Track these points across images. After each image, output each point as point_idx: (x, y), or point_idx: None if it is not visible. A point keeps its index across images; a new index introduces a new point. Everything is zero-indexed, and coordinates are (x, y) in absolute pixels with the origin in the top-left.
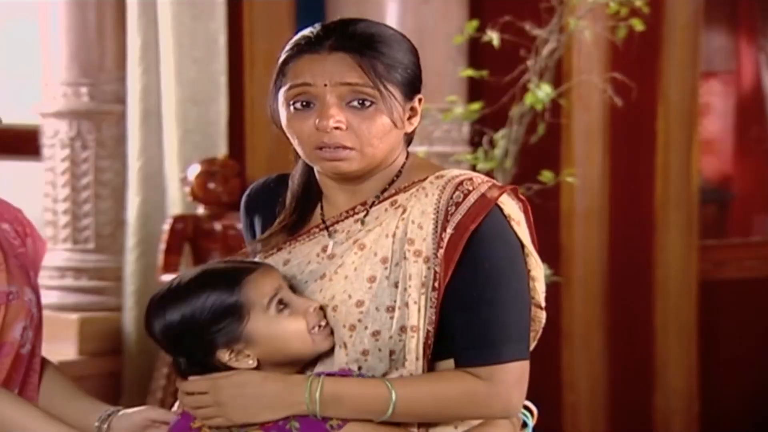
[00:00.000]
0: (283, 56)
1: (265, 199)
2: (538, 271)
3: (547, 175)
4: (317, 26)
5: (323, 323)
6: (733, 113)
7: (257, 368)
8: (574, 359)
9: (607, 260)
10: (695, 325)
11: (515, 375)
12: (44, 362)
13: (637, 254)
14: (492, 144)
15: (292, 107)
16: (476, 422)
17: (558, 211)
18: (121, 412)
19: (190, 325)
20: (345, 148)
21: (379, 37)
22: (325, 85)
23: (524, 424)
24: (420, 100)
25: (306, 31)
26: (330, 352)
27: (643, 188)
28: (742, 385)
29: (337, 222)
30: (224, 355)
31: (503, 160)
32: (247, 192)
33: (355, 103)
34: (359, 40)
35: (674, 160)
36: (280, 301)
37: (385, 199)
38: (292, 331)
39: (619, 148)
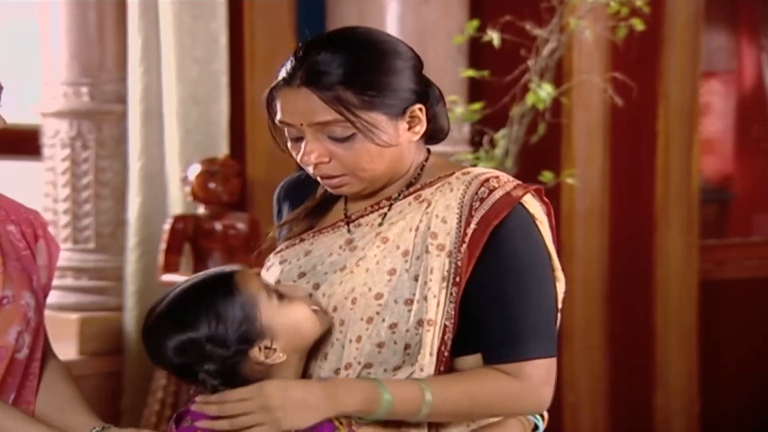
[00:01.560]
0: (271, 86)
1: (298, 189)
2: (558, 273)
3: (547, 176)
4: (294, 54)
5: (315, 306)
6: (733, 113)
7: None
8: (574, 359)
9: (607, 260)
10: (696, 324)
11: (544, 371)
12: (51, 368)
13: (637, 254)
14: (492, 144)
15: (287, 137)
16: (486, 421)
17: (558, 211)
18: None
19: (212, 336)
20: (335, 177)
21: (343, 64)
22: (301, 124)
23: (535, 427)
24: (421, 109)
25: (287, 61)
26: (339, 347)
27: (644, 188)
28: (742, 385)
29: (362, 216)
30: (259, 355)
31: (504, 159)
32: (281, 183)
33: (334, 136)
34: (322, 73)
35: (675, 160)
36: (276, 291)
37: (410, 194)
38: (302, 314)
39: (619, 148)
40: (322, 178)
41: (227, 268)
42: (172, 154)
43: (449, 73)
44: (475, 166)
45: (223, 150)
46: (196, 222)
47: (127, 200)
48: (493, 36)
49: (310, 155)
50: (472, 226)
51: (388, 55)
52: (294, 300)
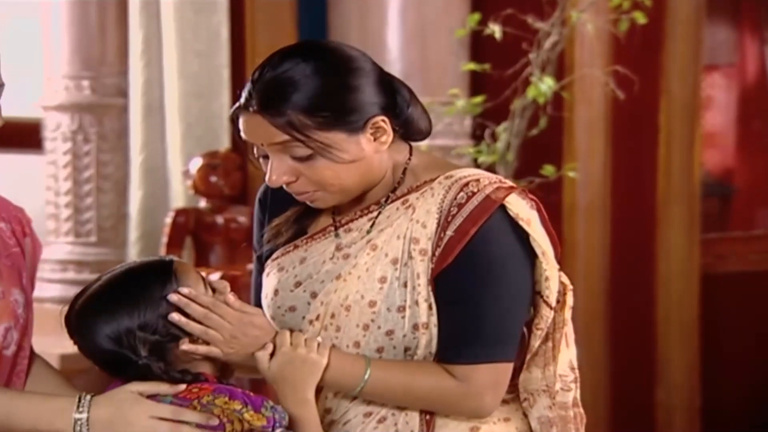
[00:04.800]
0: (233, 108)
1: (282, 191)
2: (553, 270)
3: (548, 169)
4: (252, 77)
5: None
6: (735, 107)
7: None
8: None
9: (608, 254)
10: (697, 319)
11: (490, 377)
12: (34, 360)
13: (638, 248)
14: (494, 137)
15: (256, 153)
16: (493, 419)
17: (560, 205)
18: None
19: (144, 325)
20: (306, 192)
21: (293, 87)
22: (262, 144)
23: None
24: (384, 120)
25: (247, 83)
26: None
27: (645, 182)
28: (744, 380)
29: (352, 221)
30: (185, 345)
31: (505, 153)
32: (262, 187)
33: (295, 156)
34: (272, 98)
35: (676, 154)
36: (209, 284)
37: (398, 198)
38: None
39: (621, 142)
40: (294, 194)
41: (164, 257)
42: (173, 147)
43: (451, 66)
44: (476, 159)
45: (224, 144)
46: (197, 216)
47: (129, 194)
48: (495, 29)
49: (275, 176)
50: (448, 232)
51: (343, 73)
52: (225, 294)
